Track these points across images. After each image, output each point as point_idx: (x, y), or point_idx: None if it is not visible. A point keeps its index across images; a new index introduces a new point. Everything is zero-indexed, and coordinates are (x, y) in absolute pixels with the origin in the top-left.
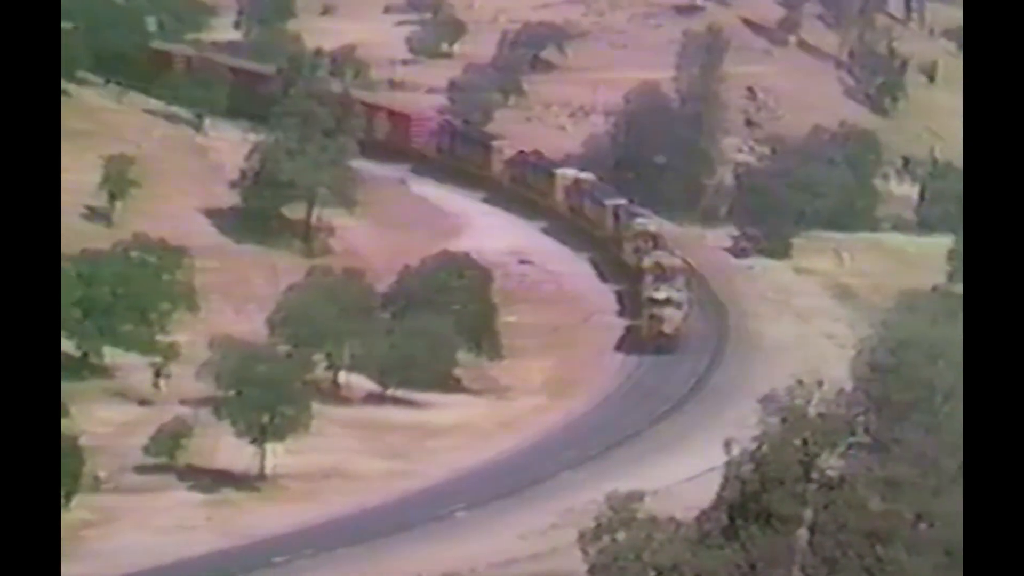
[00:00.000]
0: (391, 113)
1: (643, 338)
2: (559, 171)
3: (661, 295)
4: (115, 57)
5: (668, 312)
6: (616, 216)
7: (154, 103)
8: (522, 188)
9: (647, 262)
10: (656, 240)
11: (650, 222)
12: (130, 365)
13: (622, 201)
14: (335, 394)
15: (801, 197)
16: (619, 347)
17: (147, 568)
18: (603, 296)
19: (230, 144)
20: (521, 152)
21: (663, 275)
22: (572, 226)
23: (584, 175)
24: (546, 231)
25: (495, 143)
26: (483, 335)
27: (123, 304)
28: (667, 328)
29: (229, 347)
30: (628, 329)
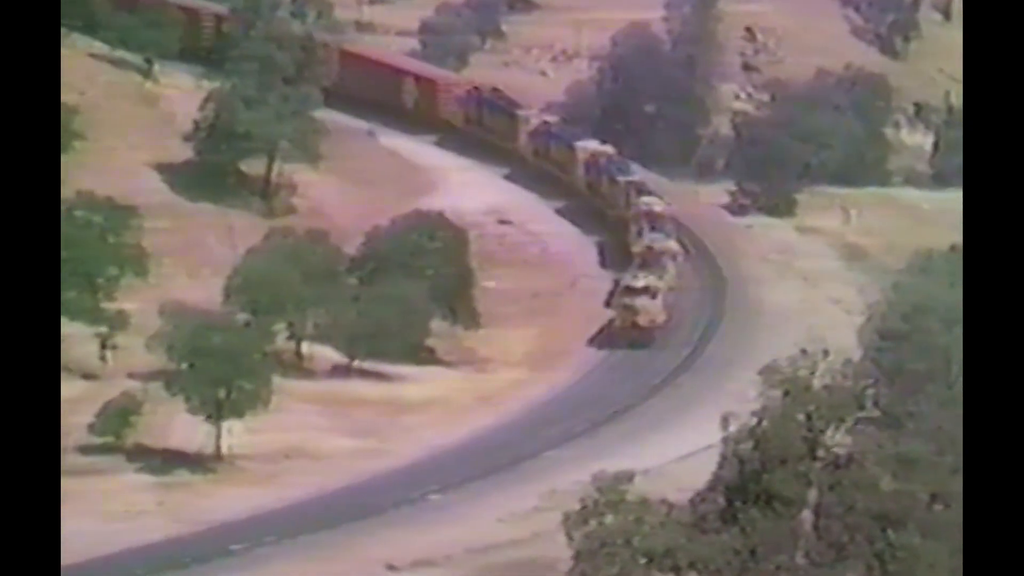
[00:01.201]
0: (418, 79)
1: (615, 330)
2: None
3: (639, 283)
4: None
5: (643, 302)
6: (627, 194)
7: (99, 46)
8: (545, 162)
9: (637, 247)
10: (655, 220)
11: (655, 200)
12: (74, 335)
13: (636, 178)
14: (298, 366)
15: (805, 148)
16: (591, 341)
17: (93, 558)
18: (589, 257)
19: (182, 92)
20: (545, 122)
21: (651, 258)
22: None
23: (604, 148)
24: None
25: (521, 112)
26: (459, 302)
27: (66, 269)
28: (642, 320)
29: (182, 316)
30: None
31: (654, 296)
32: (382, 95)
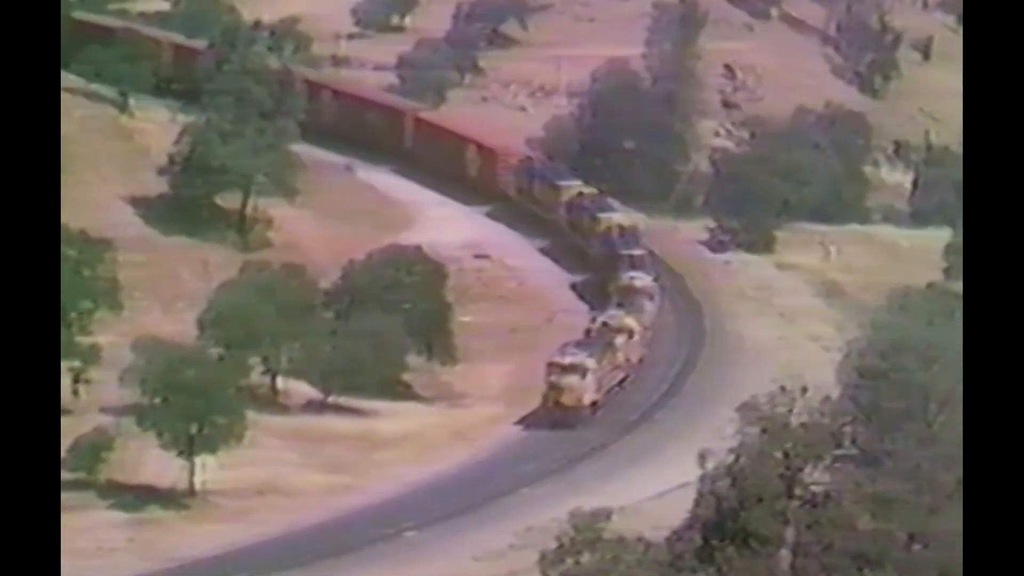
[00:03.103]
0: (480, 147)
1: (539, 410)
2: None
3: (566, 360)
4: None
5: (569, 381)
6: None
7: (74, 79)
8: (575, 233)
9: (594, 323)
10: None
11: (637, 277)
12: None
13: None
14: (272, 401)
15: (784, 185)
16: (519, 421)
17: None
18: (567, 293)
19: (158, 126)
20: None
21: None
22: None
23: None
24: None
25: (563, 183)
26: (435, 336)
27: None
28: (566, 399)
29: (155, 350)
30: None
31: (583, 375)
32: (449, 164)
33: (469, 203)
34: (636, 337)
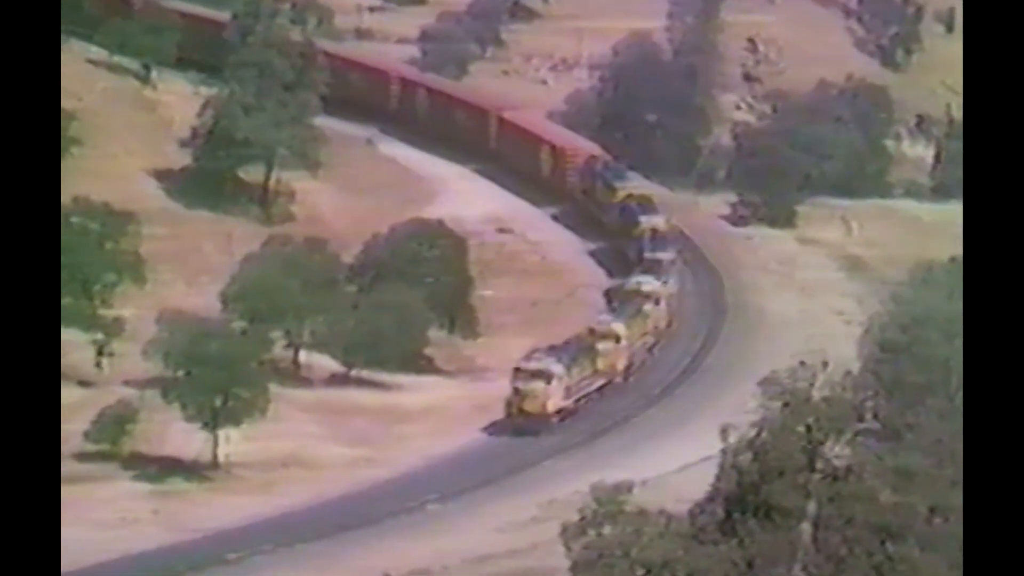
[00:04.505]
0: (553, 147)
1: (506, 415)
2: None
3: (531, 365)
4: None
5: (534, 387)
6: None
7: (97, 52)
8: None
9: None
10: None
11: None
12: (70, 342)
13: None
14: (295, 375)
15: (805, 159)
16: (484, 428)
17: (87, 566)
18: (589, 266)
19: (180, 98)
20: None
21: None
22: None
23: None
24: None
25: (620, 184)
26: (457, 310)
27: (63, 275)
28: (529, 406)
29: (179, 323)
30: None
31: (548, 381)
32: (526, 164)
33: (538, 204)
34: (624, 343)
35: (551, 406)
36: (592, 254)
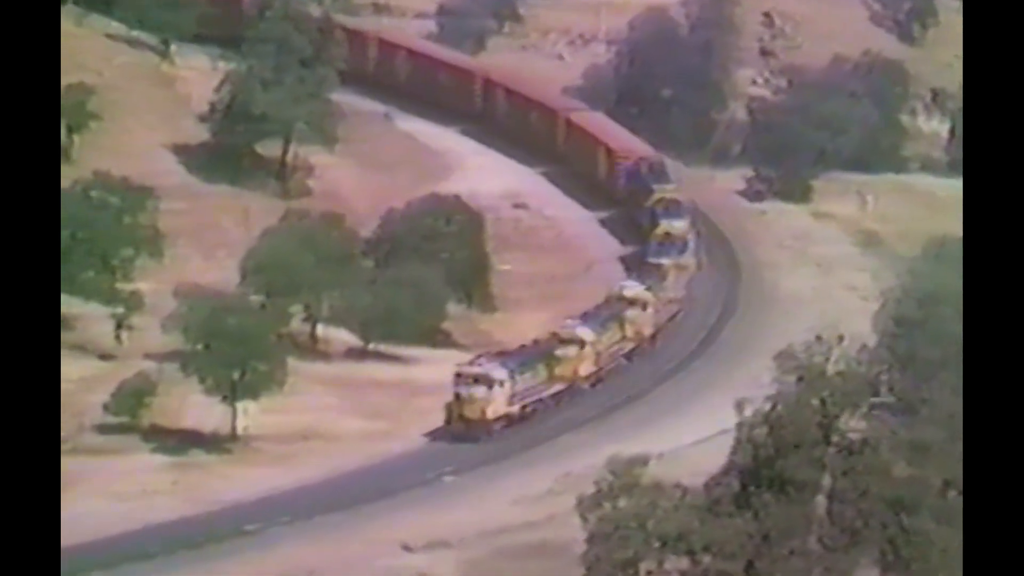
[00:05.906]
0: (608, 150)
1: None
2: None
3: (473, 369)
4: None
5: (475, 392)
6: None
7: (116, 27)
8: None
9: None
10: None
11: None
12: (90, 316)
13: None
14: (312, 349)
15: (821, 134)
16: (426, 434)
17: (107, 537)
18: (605, 242)
19: (199, 73)
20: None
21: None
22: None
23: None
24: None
25: (656, 186)
26: (474, 285)
27: (82, 249)
28: (469, 411)
29: (197, 297)
30: None
31: (490, 387)
32: (586, 166)
33: (591, 208)
34: (588, 349)
35: (491, 412)
36: (605, 224)
